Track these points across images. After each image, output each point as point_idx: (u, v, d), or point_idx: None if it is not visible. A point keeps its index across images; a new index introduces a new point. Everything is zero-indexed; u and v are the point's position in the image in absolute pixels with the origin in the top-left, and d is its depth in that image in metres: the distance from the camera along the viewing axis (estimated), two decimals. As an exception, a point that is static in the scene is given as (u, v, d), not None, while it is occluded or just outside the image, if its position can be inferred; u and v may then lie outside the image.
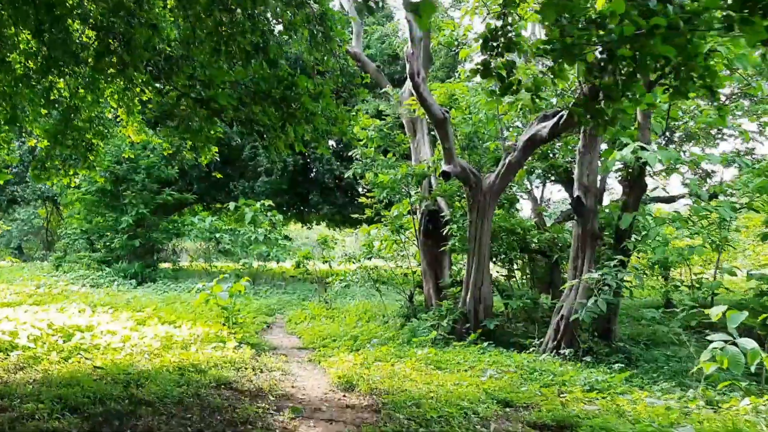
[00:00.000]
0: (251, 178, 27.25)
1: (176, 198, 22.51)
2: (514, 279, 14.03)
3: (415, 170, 12.38)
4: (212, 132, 7.25)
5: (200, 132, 7.06)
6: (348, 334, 11.17)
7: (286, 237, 26.35)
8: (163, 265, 23.29)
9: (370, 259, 13.18)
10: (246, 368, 8.25)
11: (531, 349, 10.25)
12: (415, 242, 13.33)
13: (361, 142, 13.71)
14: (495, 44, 4.70)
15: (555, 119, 10.87)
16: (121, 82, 8.07)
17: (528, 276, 14.78)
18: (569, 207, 21.83)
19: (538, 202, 15.61)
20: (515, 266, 13.77)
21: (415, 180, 12.81)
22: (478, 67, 4.76)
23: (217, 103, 5.91)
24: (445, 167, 10.75)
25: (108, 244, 21.21)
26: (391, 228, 13.23)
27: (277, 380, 7.80)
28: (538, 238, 13.05)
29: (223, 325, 11.18)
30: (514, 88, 4.76)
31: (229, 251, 24.83)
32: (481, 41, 4.74)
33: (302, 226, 35.78)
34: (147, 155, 21.21)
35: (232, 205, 22.38)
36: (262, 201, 22.61)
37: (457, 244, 11.43)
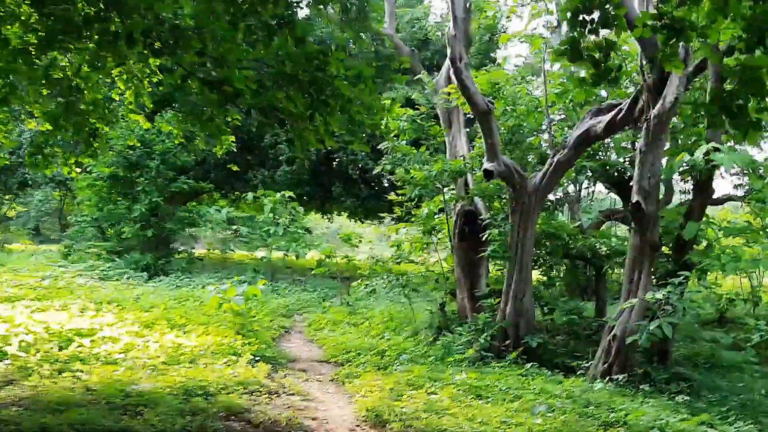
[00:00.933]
0: (271, 167, 26.33)
1: (192, 186, 21.64)
2: (554, 288, 12.99)
3: (451, 166, 11.35)
4: (227, 119, 6.28)
5: (211, 120, 6.10)
6: (374, 347, 10.22)
7: (306, 230, 25.49)
8: (179, 256, 22.39)
9: (399, 263, 12.18)
10: (261, 392, 7.33)
11: (579, 372, 9.25)
12: (448, 245, 12.31)
13: (392, 134, 12.70)
14: (587, 17, 3.66)
15: (612, 113, 9.81)
16: (131, 62, 7.16)
17: (568, 285, 13.75)
18: (608, 208, 20.68)
19: (580, 205, 14.51)
20: (555, 273, 12.71)
21: (449, 176, 11.79)
22: (564, 47, 3.74)
23: (231, 85, 4.95)
24: (487, 165, 9.72)
25: (119, 233, 20.40)
26: (422, 228, 12.21)
27: (296, 409, 6.88)
28: (583, 244, 12.02)
29: (237, 333, 10.27)
30: (613, 75, 3.72)
31: (248, 241, 23.82)
32: (568, 15, 3.71)
33: (323, 217, 34.82)
34: (162, 140, 20.35)
35: (250, 195, 21.52)
36: (282, 192, 21.71)
37: (497, 249, 10.40)
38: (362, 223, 33.36)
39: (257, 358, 9.10)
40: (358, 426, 6.43)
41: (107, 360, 8.39)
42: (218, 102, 5.49)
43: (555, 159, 10.27)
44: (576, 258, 12.75)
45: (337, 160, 26.19)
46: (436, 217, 13.08)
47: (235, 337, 10.06)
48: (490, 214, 11.34)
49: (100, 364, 8.18)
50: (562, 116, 13.38)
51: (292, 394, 7.54)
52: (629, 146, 11.51)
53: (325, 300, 19.06)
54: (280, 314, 15.01)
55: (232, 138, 9.16)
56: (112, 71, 7.86)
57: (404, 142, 12.67)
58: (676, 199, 11.96)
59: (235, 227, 22.13)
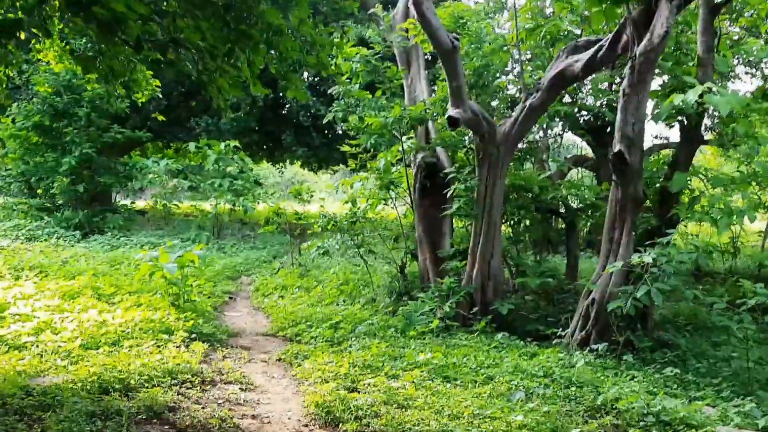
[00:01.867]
0: (216, 114, 24.84)
1: (127, 136, 20.10)
2: (522, 244, 12.15)
3: (411, 113, 10.29)
4: (122, 58, 5.07)
5: (97, 59, 4.91)
6: (327, 317, 9.28)
7: (257, 182, 24.24)
8: (116, 215, 20.96)
9: (354, 223, 11.13)
10: (193, 382, 6.34)
11: (554, 341, 8.49)
12: (408, 201, 11.33)
13: (344, 77, 11.53)
14: None
15: (592, 50, 8.84)
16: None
17: (536, 240, 12.93)
18: (575, 155, 19.92)
19: (549, 153, 13.59)
20: (523, 228, 11.85)
21: (408, 124, 10.73)
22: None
23: (107, 7, 3.73)
24: (451, 111, 8.67)
25: (49, 188, 18.87)
26: (379, 183, 11.18)
27: (233, 405, 5.92)
28: (553, 196, 11.20)
29: (172, 305, 9.21)
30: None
31: (197, 188, 22.22)
32: None
33: (273, 166, 33.43)
34: (93, 87, 18.73)
35: (192, 145, 20.09)
36: (227, 141, 20.36)
37: (462, 207, 9.45)
38: (315, 173, 32.21)
39: (193, 335, 8.09)
40: (305, 426, 5.50)
41: (13, 344, 7.29)
42: (99, 34, 4.30)
43: (527, 103, 9.29)
44: (546, 212, 11.93)
45: (287, 107, 24.76)
46: (394, 169, 12.08)
47: (168, 310, 9.01)
48: (455, 166, 10.36)
49: (4, 350, 7.09)
50: (530, 57, 12.36)
51: (230, 383, 6.57)
52: (607, 88, 10.58)
53: (276, 258, 18.08)
54: (225, 277, 13.98)
55: (155, 82, 7.94)
56: None
57: (357, 86, 11.51)
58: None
59: (176, 180, 20.68)
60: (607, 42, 8.66)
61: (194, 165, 23.34)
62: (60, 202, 19.03)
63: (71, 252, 14.75)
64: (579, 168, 17.58)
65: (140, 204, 26.00)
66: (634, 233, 8.51)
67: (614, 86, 10.95)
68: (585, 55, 8.93)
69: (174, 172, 20.84)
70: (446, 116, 8.66)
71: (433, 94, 11.08)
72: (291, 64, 4.91)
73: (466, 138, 10.32)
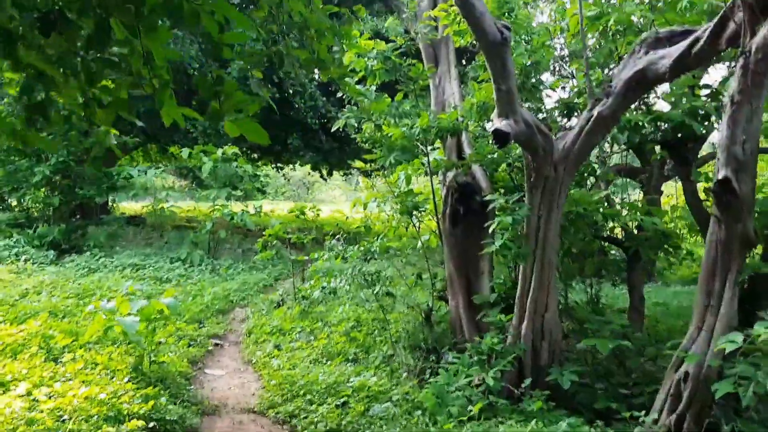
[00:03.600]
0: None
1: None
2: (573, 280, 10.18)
3: (441, 122, 8.34)
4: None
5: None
6: (333, 387, 7.37)
7: (260, 190, 22.42)
8: (98, 227, 19.12)
9: (368, 260, 9.20)
10: None
11: (637, 429, 6.53)
12: (437, 227, 9.39)
13: (357, 76, 9.60)
14: None
15: (685, 44, 6.85)
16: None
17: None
18: (618, 164, 17.72)
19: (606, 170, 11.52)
20: (576, 264, 9.88)
21: (436, 135, 8.79)
22: None
23: None
24: (500, 123, 6.71)
25: (21, 201, 17.06)
26: (399, 207, 9.25)
27: None
28: (615, 222, 9.33)
29: (134, 370, 7.31)
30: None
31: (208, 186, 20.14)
32: None
33: (278, 172, 31.48)
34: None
35: (185, 152, 18.20)
36: (223, 147, 18.49)
37: (507, 244, 7.47)
38: (325, 181, 30.35)
39: (152, 425, 6.19)
40: None
41: None
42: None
43: (594, 112, 7.32)
44: (606, 240, 10.01)
45: (294, 107, 22.85)
46: (414, 183, 10.16)
47: (129, 375, 7.13)
48: (497, 189, 8.42)
49: None
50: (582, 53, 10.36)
51: None
52: (689, 92, 8.56)
53: (278, 281, 16.22)
54: (214, 311, 12.10)
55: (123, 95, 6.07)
56: None
57: (374, 87, 9.55)
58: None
59: (165, 194, 18.80)
60: (707, 33, 6.67)
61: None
62: (34, 216, 17.20)
63: (36, 280, 12.90)
64: (623, 176, 15.60)
65: (138, 206, 24.18)
66: (737, 285, 6.58)
67: (695, 89, 8.96)
68: (674, 50, 6.96)
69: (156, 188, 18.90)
70: (492, 129, 6.68)
71: (469, 97, 9.14)
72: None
73: (513, 153, 8.36)
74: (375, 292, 9.15)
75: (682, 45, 6.88)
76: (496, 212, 7.69)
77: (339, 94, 8.89)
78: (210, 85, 3.52)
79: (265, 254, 12.92)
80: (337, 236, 10.19)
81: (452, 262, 8.92)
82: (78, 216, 18.68)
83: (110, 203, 21.79)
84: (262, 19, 3.69)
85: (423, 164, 9.70)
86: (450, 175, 9.04)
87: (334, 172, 30.38)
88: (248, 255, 18.88)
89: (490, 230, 7.49)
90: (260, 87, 3.97)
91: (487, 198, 8.05)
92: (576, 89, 8.48)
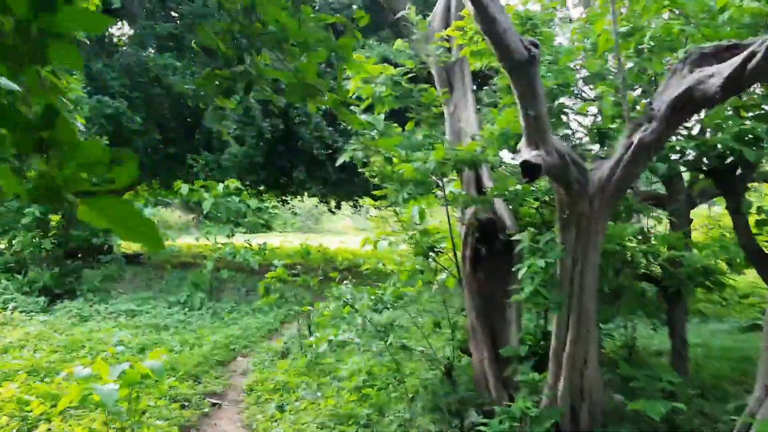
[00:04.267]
0: (217, 148, 22.32)
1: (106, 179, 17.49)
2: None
3: (459, 155, 7.51)
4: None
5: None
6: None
7: (265, 225, 21.68)
8: (94, 269, 18.29)
9: (380, 311, 8.31)
10: None
11: None
12: (456, 269, 8.51)
13: (363, 105, 8.80)
14: None
15: (739, 59, 6.00)
16: None
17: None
18: (644, 190, 16.83)
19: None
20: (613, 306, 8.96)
21: (453, 168, 7.95)
22: None
23: None
24: (529, 154, 5.86)
25: (10, 245, 16.27)
26: (414, 249, 8.39)
27: None
28: (653, 258, 8.47)
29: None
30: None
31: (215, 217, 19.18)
32: None
33: (283, 205, 30.66)
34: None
35: (184, 188, 17.42)
36: (225, 182, 17.73)
37: (538, 291, 6.58)
38: (333, 214, 29.56)
39: None
40: None
41: None
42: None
43: (634, 138, 6.47)
44: (643, 279, 9.12)
45: (298, 138, 22.11)
46: (430, 220, 9.33)
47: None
48: (521, 224, 7.56)
49: None
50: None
51: None
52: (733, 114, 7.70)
53: (283, 323, 15.36)
54: (214, 363, 11.20)
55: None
56: None
57: (382, 115, 8.74)
58: None
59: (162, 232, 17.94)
60: (764, 46, 5.84)
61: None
62: (23, 260, 16.38)
63: (21, 332, 12.05)
64: (651, 204, 14.70)
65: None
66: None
67: (740, 110, 8.11)
68: (724, 67, 6.09)
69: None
70: (520, 161, 5.82)
71: (490, 125, 8.31)
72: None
73: (539, 183, 7.51)
74: (388, 343, 8.25)
75: (735, 61, 6.02)
76: (525, 253, 6.82)
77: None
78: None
79: (266, 300, 12.04)
80: (345, 282, 9.29)
81: (474, 311, 8.01)
82: (74, 258, 17.88)
83: (114, 242, 21.05)
84: (223, 29, 2.91)
85: (437, 197, 8.87)
86: (469, 211, 8.19)
87: (343, 204, 29.57)
88: (252, 296, 17.99)
89: (519, 275, 6.59)
90: (219, 120, 3.14)
91: (514, 237, 7.17)
92: (607, 113, 7.61)
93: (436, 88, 9.18)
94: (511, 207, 8.03)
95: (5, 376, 9.14)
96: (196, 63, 21.61)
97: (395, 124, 8.82)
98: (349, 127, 8.09)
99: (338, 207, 29.20)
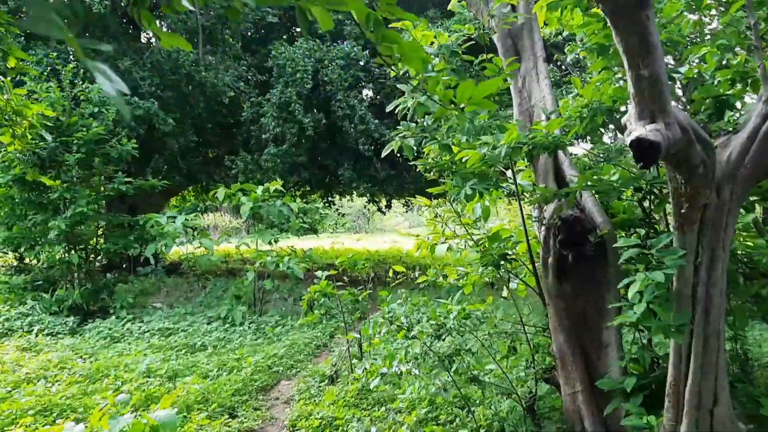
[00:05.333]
0: (256, 149, 21.19)
1: (137, 186, 16.43)
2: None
3: (537, 137, 6.04)
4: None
5: None
6: None
7: (311, 229, 20.49)
8: (132, 284, 17.33)
9: (441, 338, 6.84)
10: None
11: None
12: (535, 280, 7.03)
13: (413, 81, 7.37)
14: None
15: None
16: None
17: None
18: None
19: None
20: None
21: (527, 154, 6.48)
22: None
23: None
24: (643, 129, 4.34)
25: (38, 261, 15.36)
26: (481, 257, 6.94)
27: None
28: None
29: None
30: None
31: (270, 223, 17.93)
32: None
33: (329, 207, 29.35)
34: (89, 123, 15.27)
35: (221, 191, 16.25)
36: (265, 185, 16.50)
37: (656, 307, 5.07)
38: (384, 214, 28.22)
39: None
40: None
41: None
42: None
43: (777, 105, 4.93)
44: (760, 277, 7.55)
45: (343, 133, 20.76)
46: (495, 220, 7.87)
47: None
48: (615, 221, 6.05)
49: None
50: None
51: None
52: None
53: (333, 337, 14.10)
54: (255, 388, 9.98)
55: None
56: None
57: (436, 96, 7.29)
58: None
59: (196, 238, 16.77)
60: None
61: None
62: (52, 277, 15.43)
63: (43, 359, 11.00)
64: None
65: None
66: None
67: None
68: None
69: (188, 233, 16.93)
70: (632, 139, 4.32)
71: (564, 100, 6.81)
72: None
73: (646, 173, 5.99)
74: (453, 370, 6.82)
75: None
76: (632, 261, 5.31)
77: (389, 110, 6.67)
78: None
79: (310, 317, 10.73)
80: (399, 301, 7.88)
81: (564, 332, 6.51)
82: (109, 271, 16.94)
83: (158, 251, 20.15)
84: None
85: (503, 189, 7.39)
86: (549, 208, 6.70)
87: (394, 202, 28.15)
88: (299, 307, 16.76)
89: (630, 293, 5.09)
90: None
91: (607, 238, 5.68)
92: (724, 76, 6.03)
93: (501, 56, 7.70)
94: (602, 203, 6.52)
95: (12, 417, 8.03)
96: (230, 57, 20.52)
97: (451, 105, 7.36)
98: (396, 111, 6.67)
99: (388, 207, 27.81)
